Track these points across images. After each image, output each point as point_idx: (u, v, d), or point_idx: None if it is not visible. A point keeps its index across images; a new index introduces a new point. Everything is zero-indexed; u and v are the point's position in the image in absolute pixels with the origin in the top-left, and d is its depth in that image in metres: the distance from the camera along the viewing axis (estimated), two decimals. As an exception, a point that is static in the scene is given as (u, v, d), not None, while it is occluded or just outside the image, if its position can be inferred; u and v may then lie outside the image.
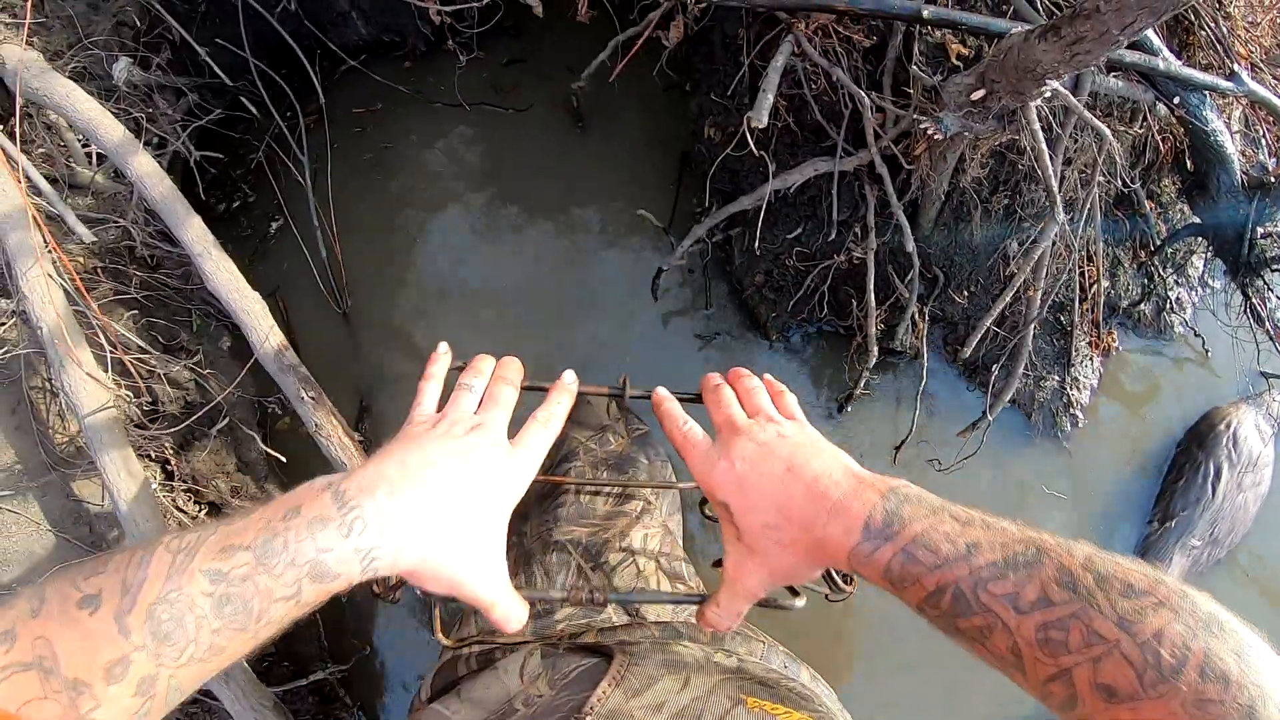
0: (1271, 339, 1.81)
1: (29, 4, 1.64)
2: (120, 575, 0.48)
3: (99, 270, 1.77)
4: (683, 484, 1.13)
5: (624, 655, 0.73)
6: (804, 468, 0.62)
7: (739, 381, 0.76)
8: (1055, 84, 1.20)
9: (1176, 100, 1.53)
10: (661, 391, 0.80)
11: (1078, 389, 1.76)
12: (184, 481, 1.75)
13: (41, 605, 0.47)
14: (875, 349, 1.54)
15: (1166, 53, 1.50)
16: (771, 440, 0.66)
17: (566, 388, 0.76)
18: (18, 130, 1.56)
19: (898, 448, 1.67)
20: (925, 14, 1.27)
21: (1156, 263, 1.83)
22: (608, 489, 1.16)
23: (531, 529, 1.14)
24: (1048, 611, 0.48)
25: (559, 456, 1.25)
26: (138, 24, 1.92)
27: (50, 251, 1.54)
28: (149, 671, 0.47)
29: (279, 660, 1.70)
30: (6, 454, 1.59)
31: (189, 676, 0.49)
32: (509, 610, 0.65)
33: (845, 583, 0.71)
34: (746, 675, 0.74)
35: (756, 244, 1.53)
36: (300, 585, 0.50)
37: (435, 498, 0.57)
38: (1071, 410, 1.76)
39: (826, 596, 0.72)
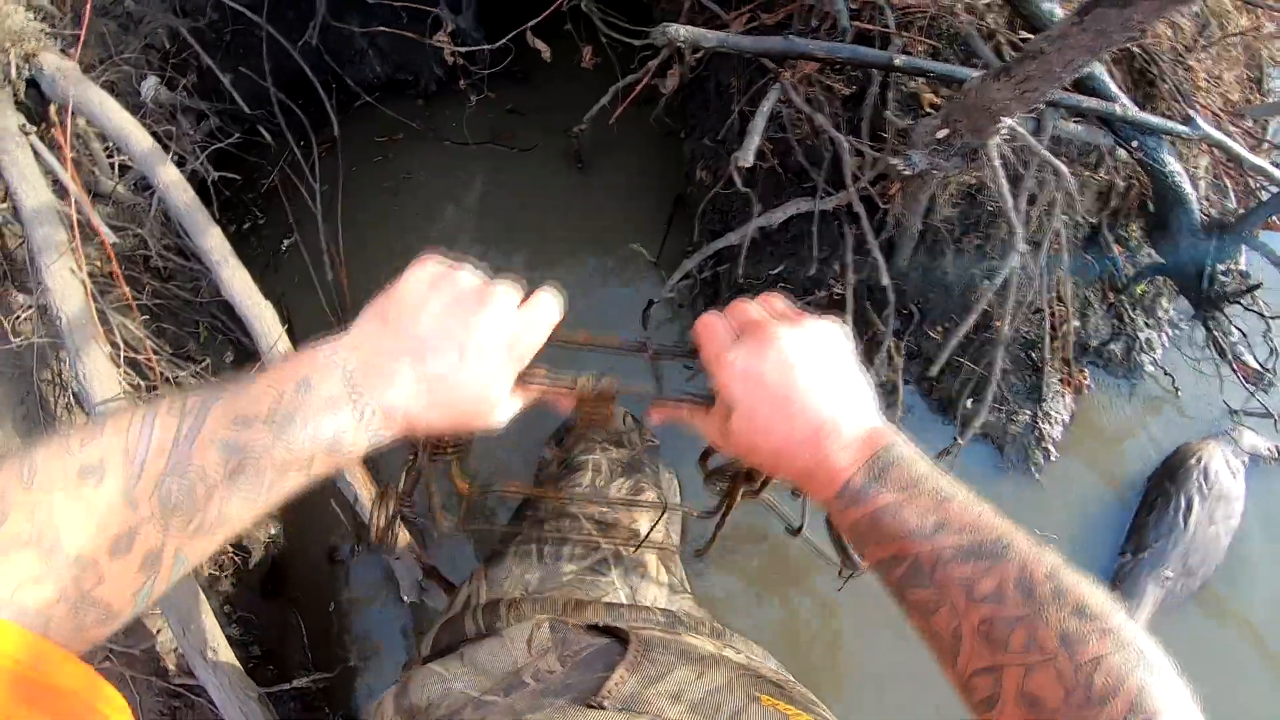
0: (1234, 370, 1.89)
1: (86, 20, 1.74)
2: (121, 442, 0.46)
3: (114, 275, 1.84)
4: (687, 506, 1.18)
5: (639, 640, 0.72)
6: (809, 404, 0.58)
7: (763, 298, 0.68)
8: (1011, 122, 1.30)
9: (1135, 144, 1.63)
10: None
11: (1050, 424, 1.83)
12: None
13: (35, 474, 0.44)
14: (851, 379, 1.61)
15: (1124, 99, 1.60)
16: (789, 346, 0.59)
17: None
18: (67, 134, 1.63)
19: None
20: (897, 61, 1.37)
21: (1125, 303, 1.91)
22: (619, 482, 1.23)
23: (546, 504, 1.21)
24: (998, 607, 0.49)
25: (576, 452, 1.32)
26: (166, 46, 2.04)
27: (74, 248, 1.61)
28: (155, 545, 0.46)
29: (264, 663, 1.74)
30: (14, 443, 1.64)
31: (195, 549, 0.48)
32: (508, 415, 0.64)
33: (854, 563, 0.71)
34: (758, 673, 0.74)
35: (741, 276, 1.61)
36: (314, 457, 0.50)
37: (438, 363, 0.56)
38: (1044, 444, 1.82)
39: (840, 573, 0.74)
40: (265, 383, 0.50)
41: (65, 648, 0.43)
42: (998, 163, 1.32)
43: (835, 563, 0.73)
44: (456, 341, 0.57)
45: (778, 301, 0.66)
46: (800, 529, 0.89)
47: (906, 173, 1.32)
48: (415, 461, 0.75)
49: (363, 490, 1.57)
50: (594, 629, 0.81)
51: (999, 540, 0.51)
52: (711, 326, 0.63)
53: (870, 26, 1.51)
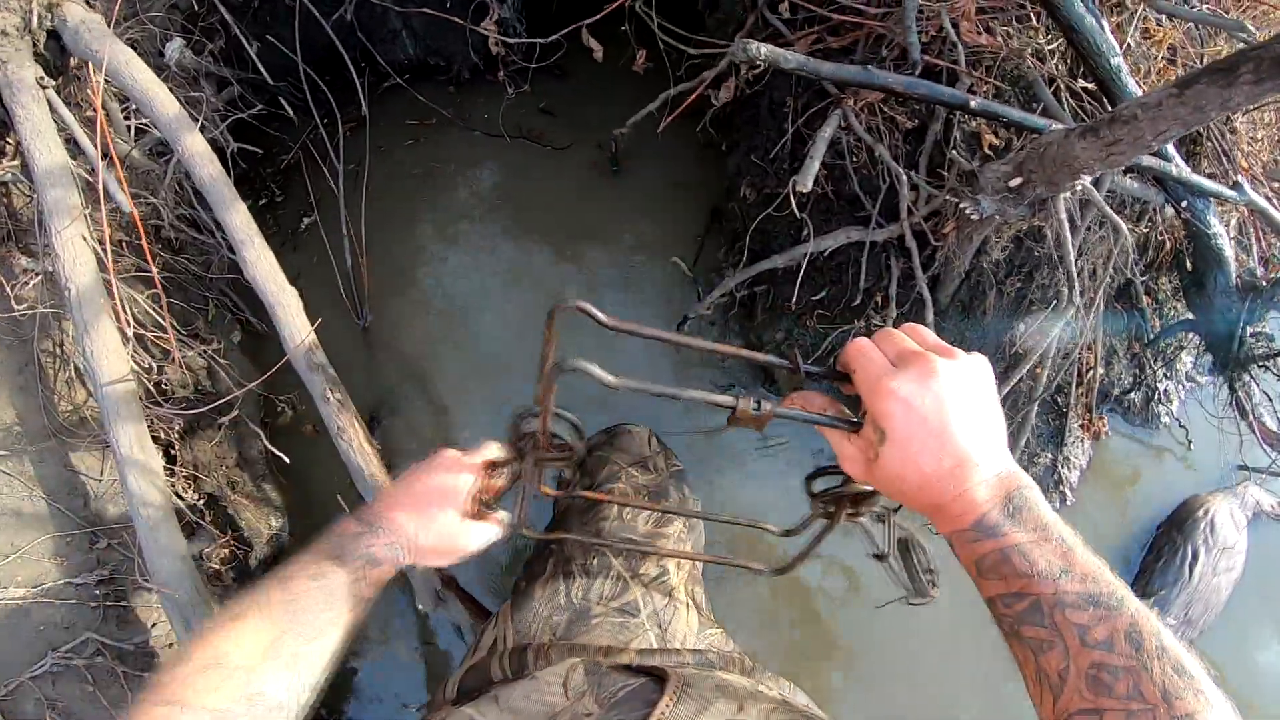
0: (1253, 431, 1.91)
1: None
2: (253, 598, 0.70)
3: (124, 244, 1.76)
4: (720, 516, 1.16)
5: (677, 677, 0.75)
6: (959, 439, 0.60)
7: (910, 329, 0.71)
8: (1086, 179, 1.28)
9: (1184, 204, 1.63)
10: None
11: (1068, 468, 1.84)
12: (185, 468, 1.74)
13: (205, 630, 0.67)
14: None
15: (1179, 159, 1.60)
16: (949, 381, 0.61)
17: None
18: (98, 92, 1.54)
19: (896, 509, 1.72)
20: (973, 104, 1.35)
21: (1149, 355, 1.92)
22: (648, 512, 1.20)
23: (573, 538, 1.18)
24: (1108, 655, 0.52)
25: (600, 478, 1.29)
26: (194, 7, 1.95)
27: (87, 214, 1.53)
28: (294, 649, 0.68)
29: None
30: (8, 413, 1.57)
31: (318, 650, 0.70)
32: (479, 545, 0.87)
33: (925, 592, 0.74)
34: (794, 708, 0.77)
35: (792, 302, 1.59)
36: (364, 570, 0.76)
37: (418, 510, 0.82)
38: (1061, 488, 1.83)
39: (907, 600, 0.76)
40: (322, 542, 0.78)
41: None
42: (1064, 215, 1.31)
43: (907, 589, 0.79)
44: (423, 501, 0.84)
45: (927, 334, 0.68)
46: (886, 555, 0.91)
47: (974, 216, 1.30)
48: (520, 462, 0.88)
49: (373, 468, 1.51)
50: (628, 669, 0.83)
51: (1114, 593, 0.55)
52: (868, 353, 0.66)
53: (939, 61, 1.48)
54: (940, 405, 0.60)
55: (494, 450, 0.91)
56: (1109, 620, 0.54)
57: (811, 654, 1.71)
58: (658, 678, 0.77)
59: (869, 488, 0.74)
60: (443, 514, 0.83)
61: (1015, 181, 1.30)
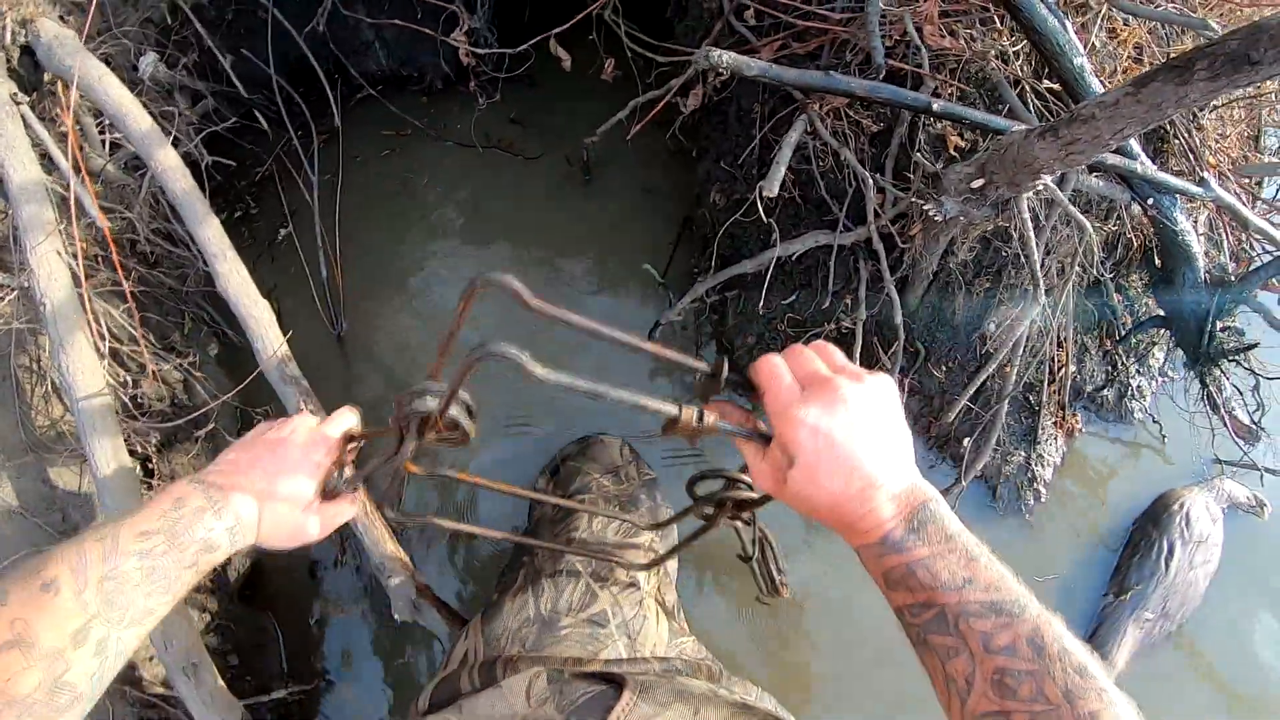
0: (1225, 425, 1.93)
1: None
2: (67, 564, 0.63)
3: (99, 259, 1.77)
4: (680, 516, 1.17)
5: (634, 682, 0.77)
6: (866, 461, 0.62)
7: (819, 348, 0.73)
8: (1047, 179, 1.30)
9: (1150, 201, 1.65)
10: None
11: (1042, 466, 1.85)
12: (162, 480, 1.75)
13: (8, 596, 0.60)
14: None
15: (1145, 158, 1.62)
16: (856, 406, 0.64)
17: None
18: (71, 109, 1.55)
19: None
20: (935, 107, 1.36)
21: (1121, 351, 1.94)
22: (618, 522, 1.21)
23: (543, 550, 1.19)
24: (1011, 660, 0.55)
25: (573, 488, 1.30)
26: (168, 21, 1.95)
27: (61, 230, 1.54)
28: (103, 634, 0.62)
29: (241, 673, 1.69)
30: (-15, 433, 1.57)
31: (130, 637, 0.65)
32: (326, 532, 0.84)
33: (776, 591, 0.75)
34: (754, 710, 0.79)
35: (760, 306, 1.60)
36: (198, 556, 0.71)
37: (265, 488, 0.77)
38: (1035, 485, 1.84)
39: (758, 597, 0.78)
40: (153, 505, 0.71)
41: None
42: (1027, 215, 1.32)
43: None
44: (271, 476, 0.78)
45: (835, 354, 0.71)
46: (751, 558, 0.93)
47: (938, 218, 1.31)
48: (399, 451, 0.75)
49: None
50: (590, 676, 0.85)
51: (1017, 601, 0.58)
52: (777, 375, 0.68)
53: (904, 65, 1.50)
54: (847, 430, 0.63)
55: (351, 420, 0.88)
56: (1012, 627, 0.56)
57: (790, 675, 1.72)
58: (618, 684, 0.79)
59: (754, 495, 0.77)
60: (290, 497, 0.78)
61: (978, 183, 1.32)
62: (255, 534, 0.76)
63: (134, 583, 0.65)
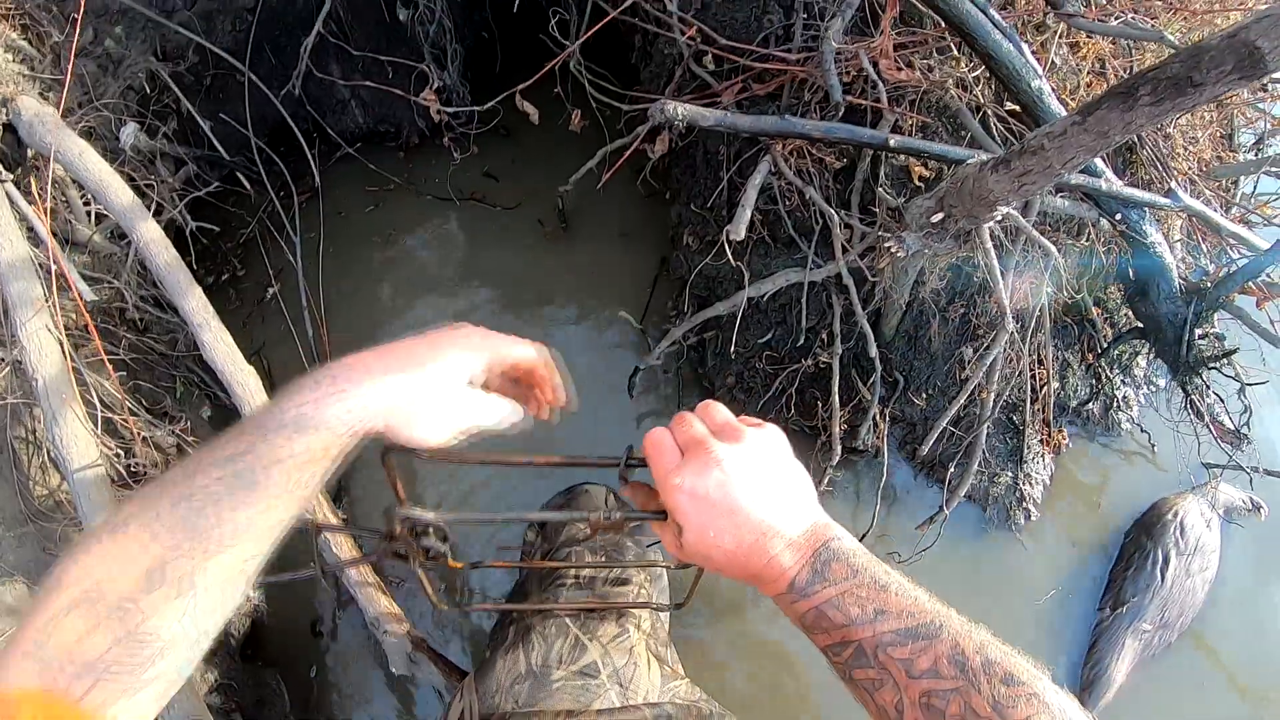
0: (1210, 432, 1.93)
1: (70, 66, 1.69)
2: (144, 497, 0.53)
3: (89, 328, 1.80)
4: (667, 563, 1.19)
5: None
6: (752, 514, 0.63)
7: (704, 408, 0.74)
8: (1005, 209, 1.31)
9: (1118, 216, 1.66)
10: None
11: (1030, 484, 1.85)
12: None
13: (81, 549, 0.52)
14: (839, 448, 1.63)
15: (1109, 174, 1.63)
16: (730, 464, 0.65)
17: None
18: (47, 186, 1.59)
19: (859, 540, 1.74)
20: (891, 143, 1.38)
21: (1103, 364, 1.94)
22: (605, 572, 1.23)
23: (533, 603, 1.20)
24: (935, 681, 0.56)
25: (559, 541, 1.32)
26: (146, 90, 1.99)
27: (50, 305, 1.57)
28: (183, 569, 0.52)
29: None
30: (-17, 504, 1.60)
31: (225, 565, 0.54)
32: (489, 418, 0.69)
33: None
34: None
35: (732, 348, 1.62)
36: (291, 441, 0.55)
37: (400, 360, 0.62)
38: (1025, 504, 1.85)
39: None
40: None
41: (139, 684, 0.50)
42: (990, 245, 1.34)
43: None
44: (417, 350, 0.64)
45: (716, 413, 0.72)
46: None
47: (900, 254, 1.33)
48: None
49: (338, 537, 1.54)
50: None
51: (933, 622, 0.58)
52: (659, 445, 0.69)
53: (862, 101, 1.52)
54: (725, 489, 0.64)
55: (530, 354, 0.73)
56: (930, 649, 0.57)
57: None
58: None
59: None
60: (435, 365, 0.64)
61: (937, 217, 1.33)
62: (380, 410, 0.60)
63: (215, 498, 0.53)
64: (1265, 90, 2.15)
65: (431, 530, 0.70)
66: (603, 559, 1.34)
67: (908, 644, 0.57)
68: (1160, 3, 1.80)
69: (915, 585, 0.62)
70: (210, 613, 0.54)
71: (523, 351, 0.72)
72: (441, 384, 0.64)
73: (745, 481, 0.64)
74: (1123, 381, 1.99)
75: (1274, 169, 2.02)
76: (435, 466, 1.76)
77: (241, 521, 0.54)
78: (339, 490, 1.88)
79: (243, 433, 0.56)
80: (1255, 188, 2.15)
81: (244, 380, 1.58)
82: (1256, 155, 2.13)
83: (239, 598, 0.56)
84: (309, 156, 2.01)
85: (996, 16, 1.47)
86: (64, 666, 0.47)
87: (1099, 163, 1.62)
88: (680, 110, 1.30)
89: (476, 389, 0.68)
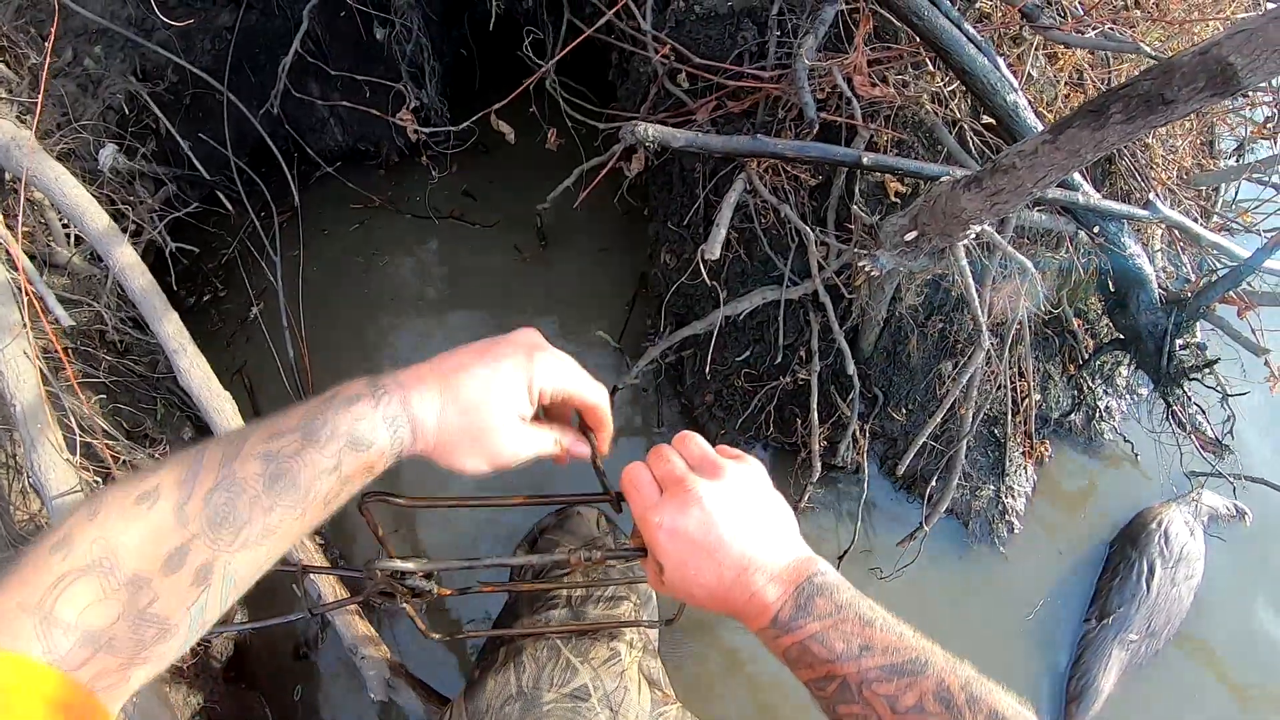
0: (1193, 441, 1.93)
1: (43, 87, 1.69)
2: (176, 471, 0.51)
3: (69, 351, 1.79)
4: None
5: None
6: (733, 550, 0.63)
7: (681, 440, 0.74)
8: (979, 227, 1.31)
9: (1096, 229, 1.65)
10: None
11: (1012, 497, 1.85)
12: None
13: (99, 507, 0.49)
14: (818, 464, 1.62)
15: (1087, 187, 1.62)
16: (710, 501, 0.65)
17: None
18: (20, 211, 1.59)
19: (840, 558, 1.73)
20: (865, 160, 1.38)
21: (1085, 376, 1.94)
22: (597, 594, 1.23)
23: (523, 627, 1.20)
24: (921, 718, 0.56)
25: (550, 564, 1.32)
26: (125, 110, 1.99)
27: (28, 329, 1.56)
28: (206, 559, 0.50)
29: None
30: (-34, 529, 1.59)
31: (244, 563, 0.52)
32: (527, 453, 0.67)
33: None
34: None
35: (708, 367, 1.62)
36: (340, 455, 0.54)
37: (455, 386, 0.60)
38: (1007, 517, 1.84)
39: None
40: (302, 405, 0.56)
41: (132, 664, 0.48)
42: (964, 263, 1.34)
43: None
44: (484, 366, 0.61)
45: (694, 446, 0.72)
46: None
47: (874, 273, 1.33)
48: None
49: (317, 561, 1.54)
50: None
51: (918, 658, 0.58)
52: (637, 481, 0.69)
53: (836, 117, 1.52)
54: (705, 525, 0.64)
55: (599, 395, 0.71)
56: (915, 685, 0.56)
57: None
58: None
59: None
60: (492, 391, 0.61)
61: (911, 235, 1.33)
62: (431, 435, 0.58)
63: (252, 494, 0.51)
64: (1246, 96, 2.15)
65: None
66: (594, 578, 1.34)
67: (893, 680, 0.57)
68: (1139, 12, 1.80)
69: (899, 621, 0.62)
70: (217, 606, 0.52)
71: (596, 395, 0.70)
72: (498, 419, 0.62)
73: (726, 518, 0.64)
74: (1105, 392, 1.99)
75: (1255, 175, 2.03)
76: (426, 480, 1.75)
77: (274, 523, 0.52)
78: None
79: (292, 429, 0.54)
80: (1236, 194, 2.15)
81: (220, 406, 1.58)
82: (1238, 161, 2.14)
83: (241, 594, 0.55)
84: (288, 176, 2.00)
85: (971, 30, 1.47)
86: (66, 632, 0.46)
87: (1076, 176, 1.62)
88: (651, 131, 1.30)
89: (528, 422, 0.66)
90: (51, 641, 0.45)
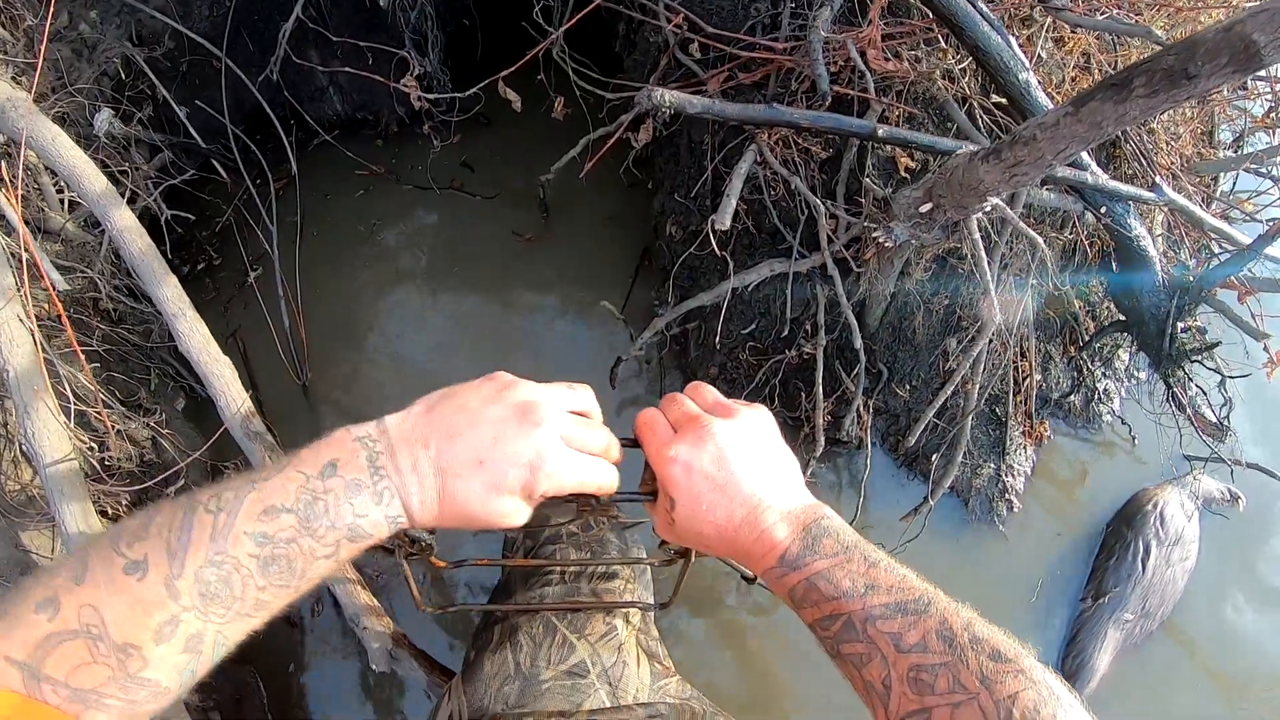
0: (1192, 424, 1.94)
1: (42, 49, 1.65)
2: (164, 540, 0.50)
3: (61, 318, 1.76)
4: (652, 559, 1.18)
5: None
6: (744, 487, 0.64)
7: (694, 388, 0.74)
8: (995, 200, 1.31)
9: (1103, 210, 1.66)
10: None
11: (1012, 476, 1.86)
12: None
13: (85, 573, 0.48)
14: (822, 439, 1.62)
15: (1095, 168, 1.63)
16: (725, 438, 0.65)
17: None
18: (19, 172, 1.55)
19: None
20: (880, 133, 1.37)
21: (1085, 357, 1.95)
22: (591, 569, 1.22)
23: (517, 603, 1.19)
24: (923, 656, 0.55)
25: (542, 539, 1.30)
26: (121, 75, 1.95)
27: (24, 293, 1.53)
28: (197, 629, 0.49)
29: (227, 729, 1.68)
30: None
31: (234, 631, 0.51)
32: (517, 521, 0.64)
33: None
34: None
35: (717, 339, 1.60)
36: (339, 545, 0.54)
37: (452, 494, 0.58)
38: (1007, 496, 1.85)
39: (744, 577, 0.80)
40: (294, 467, 0.54)
41: (124, 715, 0.48)
42: (977, 235, 1.33)
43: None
44: (482, 443, 0.59)
45: (707, 393, 0.72)
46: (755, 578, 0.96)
47: (888, 245, 1.32)
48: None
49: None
50: None
51: (921, 598, 0.58)
52: (652, 424, 0.69)
53: (849, 91, 1.51)
54: (719, 462, 0.64)
55: (588, 401, 0.70)
56: (919, 624, 0.57)
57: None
58: None
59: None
60: (490, 505, 0.59)
61: (926, 207, 1.32)
62: (432, 518, 0.58)
63: (245, 573, 0.51)
64: (1245, 88, 2.16)
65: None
66: (587, 555, 1.33)
67: (896, 618, 0.57)
68: (1145, -2, 1.81)
69: (903, 564, 0.62)
70: (209, 666, 0.52)
71: (586, 401, 0.69)
72: (493, 520, 0.61)
73: (740, 455, 0.65)
74: (1104, 374, 2.00)
75: (1254, 166, 2.04)
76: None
77: (267, 599, 0.51)
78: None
79: (288, 509, 0.52)
80: (1235, 184, 2.17)
81: (219, 371, 1.55)
82: (1236, 152, 2.16)
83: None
84: (286, 144, 1.97)
85: (985, 9, 1.47)
86: (56, 689, 0.46)
87: (1085, 156, 1.63)
88: (668, 97, 1.28)
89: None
90: (41, 696, 0.45)
